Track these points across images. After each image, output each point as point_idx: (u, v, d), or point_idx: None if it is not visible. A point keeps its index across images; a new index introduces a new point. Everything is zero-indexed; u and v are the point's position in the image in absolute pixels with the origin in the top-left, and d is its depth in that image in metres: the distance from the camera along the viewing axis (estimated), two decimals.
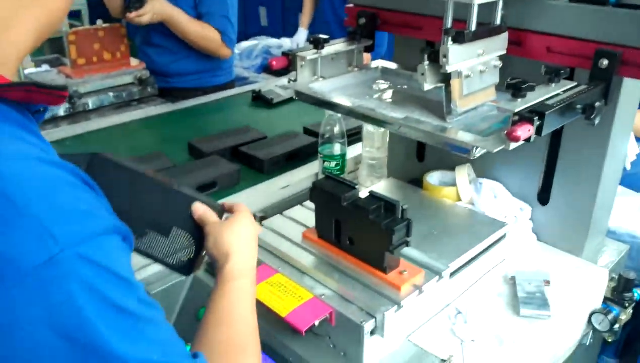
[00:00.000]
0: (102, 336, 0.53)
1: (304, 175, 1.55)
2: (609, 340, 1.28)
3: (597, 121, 0.96)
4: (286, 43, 3.39)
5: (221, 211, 0.90)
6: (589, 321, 1.21)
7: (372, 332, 0.95)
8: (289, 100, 2.17)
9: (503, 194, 1.32)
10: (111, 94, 2.14)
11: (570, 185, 1.22)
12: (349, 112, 1.10)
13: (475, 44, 0.98)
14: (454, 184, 1.36)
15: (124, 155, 1.54)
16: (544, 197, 1.28)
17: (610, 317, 1.20)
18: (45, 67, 2.34)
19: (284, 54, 1.21)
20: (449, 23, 0.97)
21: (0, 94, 0.58)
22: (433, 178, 1.41)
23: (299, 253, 1.11)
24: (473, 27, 0.96)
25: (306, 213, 1.23)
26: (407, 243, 0.98)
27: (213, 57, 2.25)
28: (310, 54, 1.20)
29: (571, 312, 1.12)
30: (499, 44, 1.03)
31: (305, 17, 3.16)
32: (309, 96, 1.16)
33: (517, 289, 1.13)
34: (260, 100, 2.21)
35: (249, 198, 1.43)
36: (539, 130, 0.87)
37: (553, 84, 0.98)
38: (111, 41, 2.18)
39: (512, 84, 0.91)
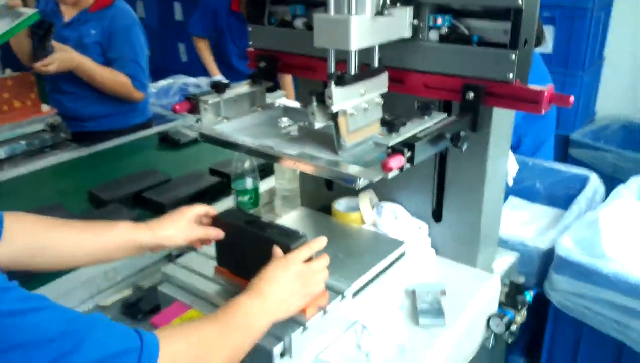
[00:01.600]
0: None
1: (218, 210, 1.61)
2: (509, 341, 1.41)
3: (464, 148, 1.08)
4: (202, 82, 3.46)
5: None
6: (488, 326, 1.33)
7: (282, 355, 1.02)
8: (197, 140, 2.20)
9: (403, 215, 1.43)
10: (23, 142, 2.13)
11: (459, 203, 1.34)
12: (249, 151, 1.18)
13: (357, 85, 1.07)
14: (359, 209, 1.46)
15: (27, 206, 1.52)
16: (437, 215, 1.40)
17: (505, 320, 1.32)
18: None
19: (187, 98, 1.28)
20: (331, 68, 1.07)
21: None
22: (340, 204, 1.51)
23: (210, 288, 1.16)
24: (353, 70, 1.06)
25: None
26: None
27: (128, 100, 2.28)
28: (213, 97, 1.27)
29: (469, 318, 1.23)
30: (379, 83, 1.13)
31: (211, 65, 3.28)
32: (211, 138, 1.23)
33: (417, 301, 1.23)
34: (167, 141, 2.24)
35: None
36: (410, 160, 0.98)
37: (426, 117, 1.10)
38: (21, 89, 2.18)
39: (386, 121, 1.02)
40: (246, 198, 1.54)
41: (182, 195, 1.67)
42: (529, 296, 1.39)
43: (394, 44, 1.17)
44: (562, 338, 1.55)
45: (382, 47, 1.12)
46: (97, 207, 1.67)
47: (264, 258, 1.02)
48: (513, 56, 1.06)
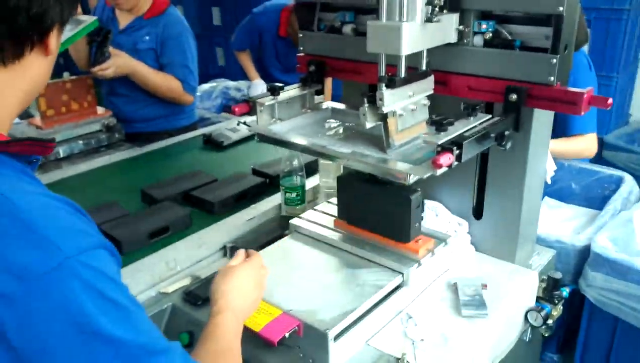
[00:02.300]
0: (101, 324, 0.68)
1: (267, 208, 1.70)
2: (546, 334, 1.47)
3: (508, 146, 1.15)
4: (243, 85, 3.59)
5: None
6: (526, 319, 1.39)
7: (336, 338, 1.10)
8: (239, 142, 2.31)
9: (444, 212, 1.50)
10: (80, 141, 2.27)
11: (499, 201, 1.41)
12: (304, 150, 1.27)
13: (405, 88, 1.16)
14: None
15: (84, 203, 1.64)
16: (478, 212, 1.47)
17: (543, 313, 1.38)
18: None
19: (245, 100, 1.38)
20: (382, 71, 1.15)
21: (4, 149, 0.74)
22: None
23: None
24: (402, 74, 1.15)
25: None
26: (422, 218, 1.28)
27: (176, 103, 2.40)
28: (268, 100, 1.36)
29: (508, 311, 1.30)
30: (426, 85, 1.22)
31: (251, 72, 3.39)
32: (268, 138, 1.33)
33: (459, 293, 1.30)
34: (211, 143, 2.33)
35: (220, 231, 1.57)
36: (459, 158, 1.06)
37: (471, 118, 1.17)
38: (79, 92, 2.31)
39: (435, 120, 1.09)
40: (293, 194, 1.63)
41: (228, 194, 1.76)
42: (565, 291, 1.45)
43: (440, 48, 1.24)
44: (597, 334, 1.60)
45: (429, 51, 1.20)
46: (149, 204, 1.78)
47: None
48: (554, 60, 1.12)
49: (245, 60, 3.37)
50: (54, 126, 2.26)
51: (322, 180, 1.73)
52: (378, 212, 1.32)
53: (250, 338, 1.14)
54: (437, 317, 1.25)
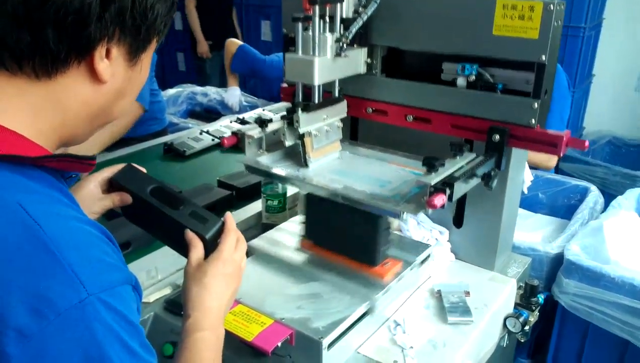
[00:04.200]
0: None
1: (247, 215, 1.69)
2: (522, 340, 1.51)
3: (494, 186, 1.20)
4: (210, 91, 3.55)
5: (214, 237, 0.96)
6: (504, 325, 1.43)
7: (365, 314, 1.13)
8: (202, 152, 2.24)
9: (425, 221, 1.53)
10: None
11: (480, 210, 1.44)
12: (292, 183, 1.32)
13: (320, 112, 1.29)
14: None
15: None
16: (458, 222, 1.50)
17: (521, 319, 1.42)
18: None
19: (234, 133, 1.41)
20: (299, 97, 1.29)
21: (43, 163, 0.70)
22: None
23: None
24: (317, 100, 1.27)
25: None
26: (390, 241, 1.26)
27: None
28: (257, 133, 1.38)
29: (490, 317, 1.33)
30: (339, 110, 1.36)
31: (231, 78, 3.37)
32: (257, 169, 1.35)
33: (443, 301, 1.33)
34: (172, 152, 2.23)
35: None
36: (450, 197, 1.09)
37: (458, 156, 1.20)
38: None
39: (427, 160, 1.12)
40: (275, 202, 1.63)
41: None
42: (540, 298, 1.50)
43: (425, 87, 1.33)
44: (568, 339, 1.66)
45: (414, 91, 1.35)
46: (108, 218, 1.67)
47: None
48: (536, 105, 1.18)
49: (231, 77, 3.37)
50: None
51: None
52: (345, 234, 1.30)
53: (239, 347, 1.13)
54: (423, 323, 1.27)
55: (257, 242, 1.44)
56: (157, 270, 1.44)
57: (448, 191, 1.08)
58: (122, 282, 0.69)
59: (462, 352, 1.21)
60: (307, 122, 1.27)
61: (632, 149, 3.56)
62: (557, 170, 3.32)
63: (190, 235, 0.96)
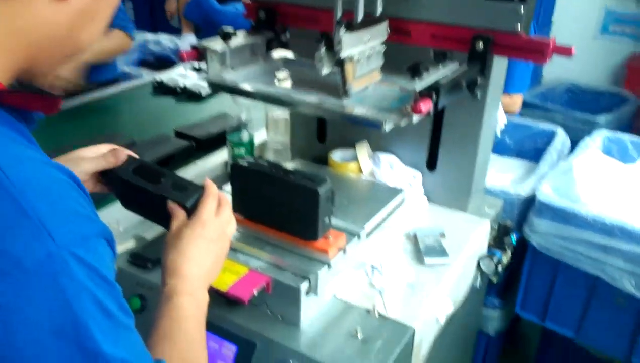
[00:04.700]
0: (89, 333, 0.57)
1: (212, 165, 1.62)
2: (495, 281, 1.51)
3: (479, 95, 1.15)
4: (163, 39, 3.38)
5: (194, 207, 0.90)
6: (478, 266, 1.43)
7: (307, 293, 1.07)
8: (157, 101, 2.13)
9: (398, 165, 1.49)
10: None
11: (454, 152, 1.41)
12: (264, 98, 1.20)
13: (362, 32, 1.13)
14: (355, 160, 1.51)
15: None
16: (432, 164, 1.47)
17: (495, 260, 1.42)
18: None
19: (194, 47, 1.27)
20: (339, 14, 1.12)
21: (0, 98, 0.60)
22: (336, 156, 1.55)
23: None
24: (359, 18, 1.11)
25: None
26: (332, 211, 1.10)
27: None
28: (220, 46, 1.27)
29: (465, 258, 1.32)
30: (381, 31, 1.19)
31: (186, 24, 3.22)
32: (223, 86, 1.24)
33: (419, 243, 1.31)
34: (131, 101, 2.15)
35: None
36: (436, 105, 1.04)
37: (442, 66, 1.15)
38: None
39: (412, 66, 1.06)
40: (242, 150, 1.56)
41: (147, 160, 1.59)
42: (513, 239, 1.50)
43: None
44: (538, 278, 1.68)
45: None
46: None
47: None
48: (521, 9, 1.12)
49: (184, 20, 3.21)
50: None
51: (270, 135, 1.67)
52: (280, 206, 1.12)
53: (214, 298, 1.08)
54: (401, 267, 1.24)
55: None
56: (118, 223, 1.36)
57: (434, 97, 1.02)
58: (96, 235, 0.61)
59: (439, 292, 1.19)
60: (350, 44, 1.09)
61: (590, 96, 3.60)
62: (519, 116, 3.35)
63: (172, 205, 0.90)
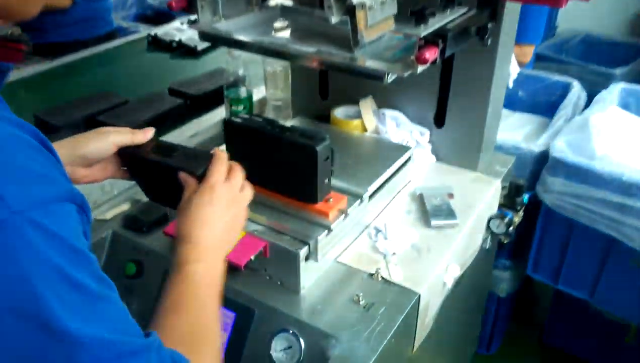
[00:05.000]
0: (51, 309, 0.50)
1: (209, 123, 1.55)
2: (505, 241, 1.45)
3: (489, 42, 1.06)
4: None
5: (203, 174, 0.86)
6: (488, 226, 1.36)
7: (306, 258, 1.01)
8: (151, 57, 2.05)
9: (404, 122, 1.41)
10: None
11: (463, 107, 1.33)
12: (259, 50, 1.12)
13: None
14: (358, 117, 1.43)
15: None
16: (440, 120, 1.39)
17: (506, 220, 1.35)
18: None
19: None
20: None
21: None
22: (339, 112, 1.47)
23: None
24: None
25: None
26: (332, 172, 1.04)
27: (91, 7, 2.11)
28: None
29: (473, 219, 1.25)
30: None
31: None
32: (214, 36, 1.16)
33: (426, 204, 1.24)
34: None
35: None
36: (442, 53, 0.95)
37: (448, 10, 1.06)
38: None
39: (416, 11, 0.97)
40: (240, 107, 1.48)
41: (141, 119, 1.51)
42: (525, 197, 1.43)
43: None
44: (551, 238, 1.62)
45: None
46: (46, 133, 1.51)
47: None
48: None
49: None
50: None
51: (269, 92, 1.59)
52: (278, 167, 1.05)
53: None
54: (406, 229, 1.18)
55: None
56: (112, 185, 1.30)
57: (441, 44, 0.93)
58: (59, 198, 0.54)
59: (447, 255, 1.13)
60: None
61: (606, 47, 3.46)
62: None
63: (183, 175, 0.86)
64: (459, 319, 1.46)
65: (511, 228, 1.37)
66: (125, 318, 0.59)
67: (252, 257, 1.00)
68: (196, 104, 1.61)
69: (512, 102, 1.99)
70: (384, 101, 1.45)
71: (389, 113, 1.42)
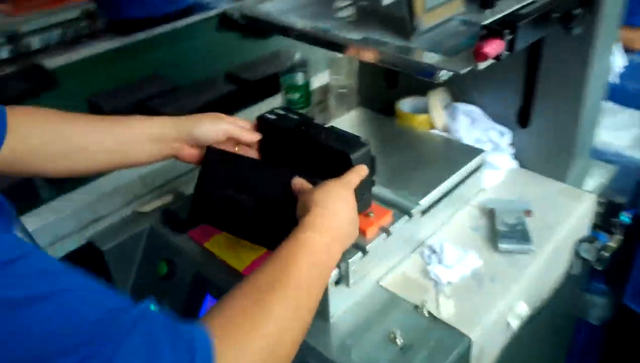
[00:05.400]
0: None
1: (265, 110, 1.42)
2: (599, 268, 1.21)
3: (576, 31, 0.84)
4: None
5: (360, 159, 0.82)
6: (576, 250, 1.14)
7: (337, 282, 0.86)
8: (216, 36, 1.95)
9: (481, 119, 1.21)
10: (57, 31, 1.96)
11: (552, 104, 1.11)
12: (299, 36, 0.97)
13: None
14: (427, 111, 1.25)
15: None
16: (524, 118, 1.17)
17: (597, 244, 1.12)
18: None
19: None
20: None
21: None
22: (405, 105, 1.29)
23: None
24: None
25: None
26: (373, 183, 0.88)
27: None
28: None
29: (556, 243, 1.04)
30: None
31: None
32: (255, 19, 1.02)
33: (496, 222, 1.04)
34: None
35: None
36: (511, 46, 0.75)
37: None
38: None
39: None
40: (296, 96, 1.35)
41: (189, 107, 1.43)
42: (626, 218, 1.18)
43: None
44: None
45: None
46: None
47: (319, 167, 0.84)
48: None
49: None
50: (27, 12, 1.94)
51: (333, 78, 1.43)
52: (312, 172, 0.88)
53: (235, 276, 0.92)
54: (468, 251, 0.99)
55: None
56: (154, 175, 1.22)
57: (508, 35, 0.74)
58: None
59: (514, 289, 0.94)
60: None
61: None
62: None
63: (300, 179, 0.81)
64: (533, 356, 1.25)
65: (605, 253, 1.14)
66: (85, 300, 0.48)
67: None
68: (252, 90, 1.49)
69: (618, 97, 1.68)
70: (461, 93, 1.25)
71: (463, 108, 1.22)
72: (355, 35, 0.91)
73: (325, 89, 1.49)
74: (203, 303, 0.99)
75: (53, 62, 1.79)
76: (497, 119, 1.21)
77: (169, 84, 1.55)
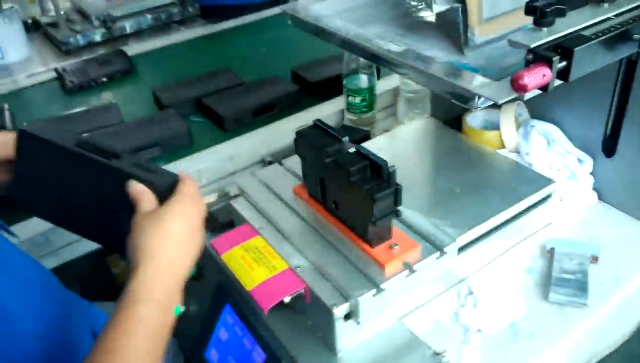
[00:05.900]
0: None
1: (327, 112, 1.36)
2: None
3: None
4: None
5: (168, 189, 0.73)
6: None
7: (347, 317, 0.79)
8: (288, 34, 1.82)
9: (559, 140, 1.06)
10: (149, 16, 2.02)
11: None
12: (343, 44, 0.89)
13: None
14: (497, 127, 1.12)
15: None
16: (610, 146, 1.01)
17: None
18: None
19: None
20: None
21: None
22: (475, 119, 1.17)
23: (285, 214, 0.94)
24: None
25: None
26: (396, 214, 0.79)
27: None
28: None
29: (623, 297, 0.88)
30: None
31: None
32: (303, 22, 0.96)
33: (553, 265, 0.91)
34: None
35: (254, 143, 1.27)
36: (564, 75, 0.63)
37: (606, 4, 0.70)
38: None
39: (533, 6, 0.65)
40: (358, 99, 1.27)
41: (246, 106, 1.36)
42: None
43: None
44: None
45: None
46: (160, 109, 1.44)
47: None
48: None
49: None
50: None
51: (403, 81, 1.33)
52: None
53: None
54: (510, 297, 0.87)
55: (244, 181, 1.03)
56: (199, 173, 1.21)
57: (560, 62, 0.62)
58: None
59: (559, 348, 0.81)
60: None
61: None
62: None
63: (138, 187, 0.71)
64: None
65: None
66: None
67: (286, 300, 0.82)
68: (314, 91, 1.42)
69: None
70: (539, 110, 1.11)
71: (539, 126, 1.07)
72: (396, 46, 0.82)
73: (395, 92, 1.39)
74: (221, 314, 0.96)
75: (137, 48, 1.84)
76: (578, 142, 1.05)
77: (235, 80, 1.51)
